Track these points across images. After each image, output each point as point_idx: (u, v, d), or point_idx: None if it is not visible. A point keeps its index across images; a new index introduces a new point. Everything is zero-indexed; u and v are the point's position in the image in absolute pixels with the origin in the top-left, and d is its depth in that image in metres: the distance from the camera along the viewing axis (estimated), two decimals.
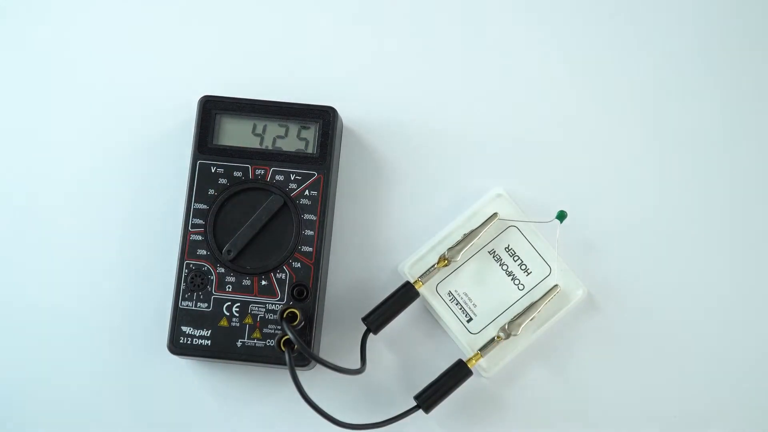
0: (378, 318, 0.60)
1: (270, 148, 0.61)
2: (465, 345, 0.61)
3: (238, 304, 0.60)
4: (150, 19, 0.66)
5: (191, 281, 0.60)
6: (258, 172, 0.61)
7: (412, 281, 0.61)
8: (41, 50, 0.66)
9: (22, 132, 0.65)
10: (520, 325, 0.60)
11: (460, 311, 0.61)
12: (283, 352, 0.58)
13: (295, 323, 0.58)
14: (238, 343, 0.59)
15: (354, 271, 0.63)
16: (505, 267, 0.62)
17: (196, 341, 0.59)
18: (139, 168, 0.64)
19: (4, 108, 0.65)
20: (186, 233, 0.60)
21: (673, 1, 0.65)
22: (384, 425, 0.58)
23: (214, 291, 0.60)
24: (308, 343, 0.59)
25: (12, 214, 0.64)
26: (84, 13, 0.66)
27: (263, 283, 0.60)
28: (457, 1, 0.66)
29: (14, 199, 0.64)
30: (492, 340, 0.60)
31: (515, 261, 0.62)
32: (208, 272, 0.60)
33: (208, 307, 0.60)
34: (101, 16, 0.66)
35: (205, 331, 0.59)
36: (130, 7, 0.66)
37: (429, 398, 0.59)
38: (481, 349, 0.60)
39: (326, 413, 0.56)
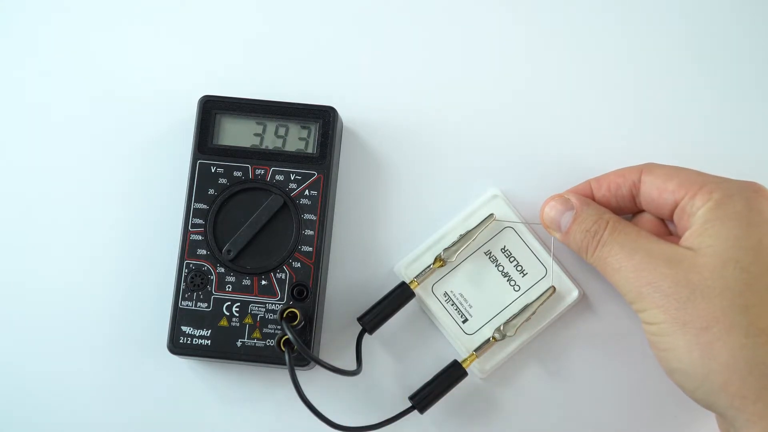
0: (373, 318, 0.60)
1: (270, 148, 0.61)
2: (460, 346, 0.61)
3: (238, 303, 0.60)
4: (150, 19, 0.66)
5: (191, 281, 0.60)
6: (258, 172, 0.61)
7: (407, 281, 0.61)
8: (41, 50, 0.65)
9: (21, 131, 0.65)
10: (515, 326, 0.60)
11: (455, 312, 0.62)
12: (283, 352, 0.58)
13: (295, 323, 0.59)
14: (238, 343, 0.59)
15: (353, 271, 0.63)
16: (500, 268, 0.62)
17: (196, 341, 0.59)
18: (139, 168, 0.64)
19: (3, 107, 0.65)
20: (186, 233, 0.60)
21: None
22: (379, 427, 0.59)
23: (214, 291, 0.60)
24: (308, 343, 0.59)
25: (11, 213, 0.64)
26: (83, 12, 0.66)
27: (263, 282, 0.60)
28: (458, 2, 0.66)
29: (13, 199, 0.64)
30: (487, 341, 0.60)
31: (511, 262, 0.62)
32: (208, 272, 0.60)
33: (208, 306, 0.60)
34: (101, 15, 0.66)
35: (205, 331, 0.59)
36: (129, 6, 0.66)
37: (424, 399, 0.59)
38: (476, 350, 0.60)
39: (323, 415, 0.57)
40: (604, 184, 0.60)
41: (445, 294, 0.62)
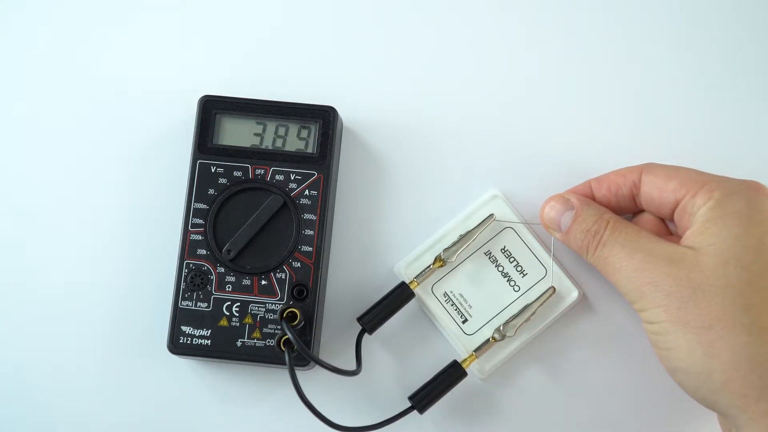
0: (373, 318, 0.60)
1: (270, 148, 0.61)
2: (460, 346, 0.61)
3: (238, 303, 0.60)
4: (150, 19, 0.66)
5: (191, 281, 0.60)
6: (258, 171, 0.61)
7: (407, 281, 0.61)
8: (41, 50, 0.65)
9: (21, 131, 0.65)
10: (515, 326, 0.60)
11: (455, 312, 0.62)
12: (283, 351, 0.58)
13: (295, 323, 0.59)
14: (238, 343, 0.59)
15: (353, 271, 0.63)
16: (500, 268, 0.62)
17: (195, 341, 0.59)
18: (139, 168, 0.64)
19: (3, 108, 0.65)
20: (186, 233, 0.60)
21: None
22: (379, 427, 0.59)
23: (214, 291, 0.60)
24: (308, 343, 0.59)
25: (11, 213, 0.64)
26: (84, 12, 0.66)
27: (263, 282, 0.60)
28: (458, 3, 0.66)
29: (13, 199, 0.64)
30: (487, 341, 0.60)
31: (511, 262, 0.62)
32: (208, 272, 0.60)
33: (208, 306, 0.60)
34: (101, 15, 0.66)
35: (204, 330, 0.59)
36: (129, 6, 0.66)
37: (423, 399, 0.59)
38: (476, 350, 0.60)
39: (323, 415, 0.57)
40: (604, 184, 0.60)
41: (445, 294, 0.62)
